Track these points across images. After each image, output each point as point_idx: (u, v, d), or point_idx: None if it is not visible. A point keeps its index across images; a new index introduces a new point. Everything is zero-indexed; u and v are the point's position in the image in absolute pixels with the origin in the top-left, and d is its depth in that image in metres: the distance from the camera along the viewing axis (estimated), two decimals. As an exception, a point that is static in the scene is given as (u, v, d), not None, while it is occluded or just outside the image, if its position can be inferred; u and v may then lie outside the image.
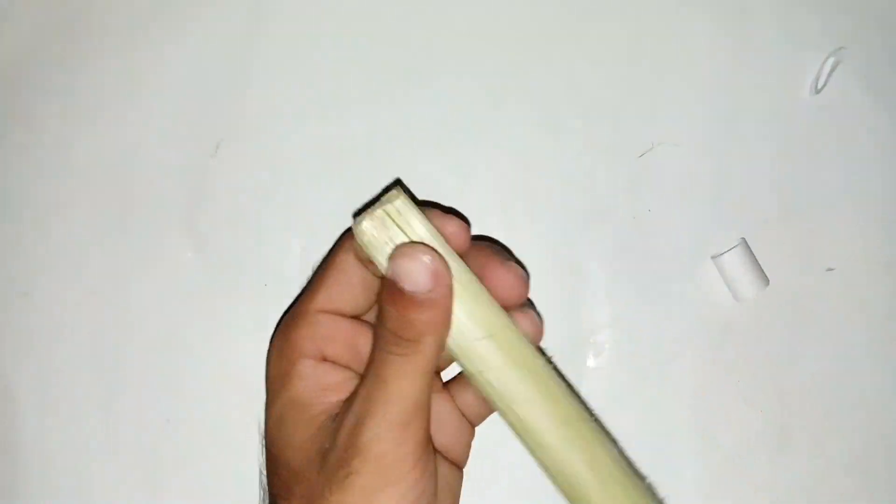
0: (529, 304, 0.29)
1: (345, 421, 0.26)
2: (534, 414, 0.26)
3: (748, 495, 0.36)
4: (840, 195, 0.37)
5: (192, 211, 0.36)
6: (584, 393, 0.36)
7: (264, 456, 0.28)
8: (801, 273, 0.36)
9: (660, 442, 0.36)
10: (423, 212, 0.26)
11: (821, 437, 0.36)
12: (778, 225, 0.37)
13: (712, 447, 0.36)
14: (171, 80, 0.37)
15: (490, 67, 0.37)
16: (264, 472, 0.28)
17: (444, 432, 0.30)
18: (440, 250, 0.25)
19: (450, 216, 0.27)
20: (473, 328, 0.25)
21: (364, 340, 0.28)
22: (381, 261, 0.25)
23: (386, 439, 0.25)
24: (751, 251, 0.36)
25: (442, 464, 0.29)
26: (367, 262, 0.27)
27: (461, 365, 0.26)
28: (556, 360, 0.36)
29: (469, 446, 0.31)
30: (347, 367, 0.28)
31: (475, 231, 0.36)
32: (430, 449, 0.27)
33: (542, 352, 0.27)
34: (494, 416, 0.28)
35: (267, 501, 0.28)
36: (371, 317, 0.29)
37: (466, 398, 0.30)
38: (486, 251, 0.28)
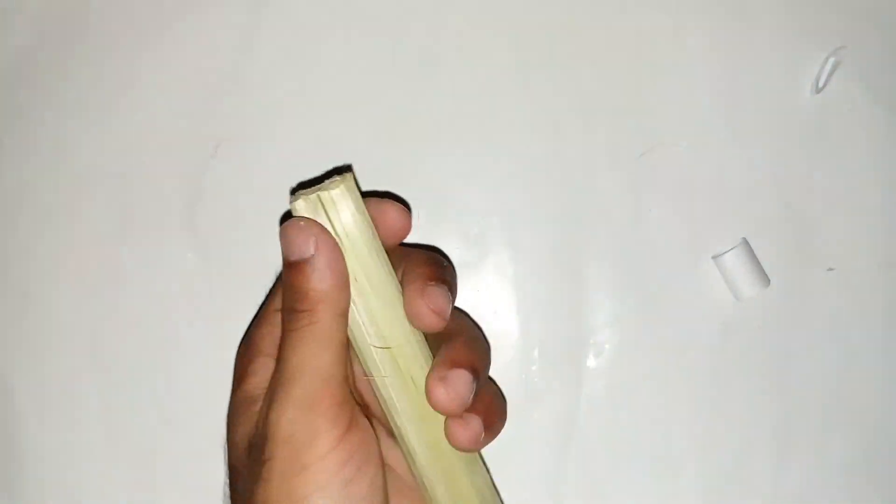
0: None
1: (262, 408, 0.25)
2: (408, 429, 0.27)
3: (748, 495, 0.36)
4: (840, 195, 0.37)
5: (192, 211, 0.36)
6: (584, 393, 0.36)
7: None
8: (801, 273, 0.36)
9: (660, 442, 0.36)
10: (361, 200, 0.25)
11: (821, 437, 0.36)
12: (778, 225, 0.37)
13: (712, 447, 0.36)
14: (171, 80, 0.37)
15: (490, 67, 0.37)
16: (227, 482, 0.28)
17: None
18: (365, 245, 0.25)
19: (390, 202, 0.27)
20: (373, 334, 0.26)
21: None
22: None
23: (292, 419, 0.24)
24: (752, 251, 0.36)
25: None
26: None
27: (360, 362, 0.27)
28: (557, 359, 0.36)
29: None
30: None
31: (475, 231, 0.36)
32: (357, 429, 0.25)
33: None
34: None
35: None
36: None
37: None
38: (422, 270, 0.27)
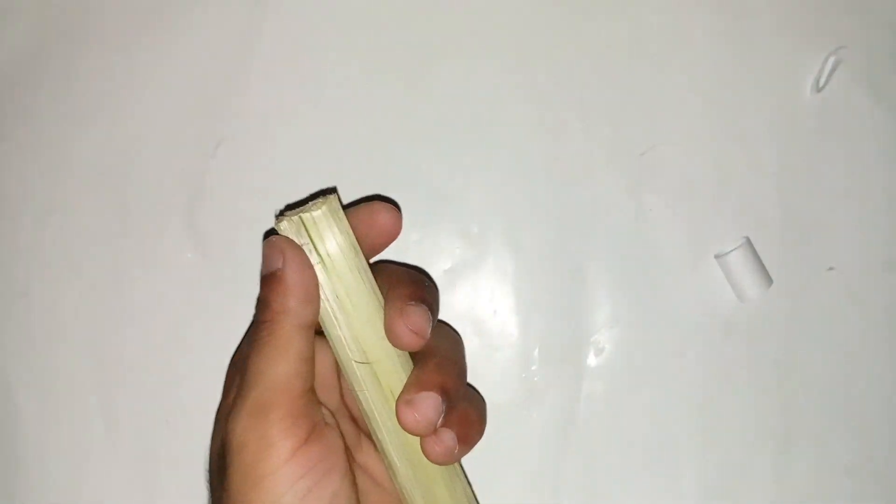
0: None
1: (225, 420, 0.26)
2: (388, 442, 0.27)
3: (748, 496, 0.36)
4: (841, 194, 0.37)
5: (192, 211, 0.36)
6: (583, 393, 0.36)
7: None
8: (801, 273, 0.36)
9: (660, 442, 0.36)
10: (345, 221, 0.26)
11: (822, 437, 0.36)
12: (778, 224, 0.37)
13: (713, 447, 0.36)
14: (171, 80, 0.37)
15: (490, 67, 0.37)
16: None
17: None
18: (346, 263, 0.26)
19: (379, 204, 0.28)
20: (355, 350, 0.26)
21: (319, 354, 0.28)
22: None
23: (244, 428, 0.24)
24: (754, 251, 0.36)
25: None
26: None
27: (343, 374, 0.27)
28: (557, 358, 0.36)
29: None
30: None
31: (475, 231, 0.36)
32: (318, 441, 0.25)
33: None
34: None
35: None
36: None
37: None
38: (403, 290, 0.27)
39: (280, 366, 0.25)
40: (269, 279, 0.25)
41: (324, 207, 0.26)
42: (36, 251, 0.37)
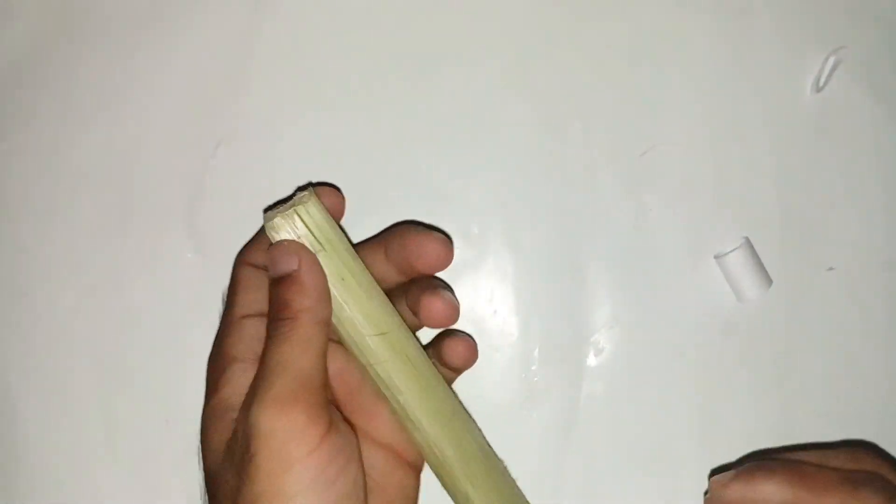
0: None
1: (241, 412, 0.26)
2: (412, 404, 0.29)
3: (749, 495, 0.36)
4: (841, 194, 0.37)
5: (192, 211, 0.36)
6: (583, 393, 0.36)
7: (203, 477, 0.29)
8: (802, 273, 0.36)
9: (660, 442, 0.36)
10: (325, 208, 0.28)
11: (821, 437, 0.36)
12: (777, 224, 0.37)
13: (712, 447, 0.36)
14: (171, 80, 0.37)
15: (490, 67, 0.37)
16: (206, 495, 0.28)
17: (383, 431, 0.30)
18: (343, 247, 0.28)
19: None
20: (367, 325, 0.28)
21: None
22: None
23: (272, 415, 0.25)
24: (754, 251, 0.36)
25: (387, 460, 0.30)
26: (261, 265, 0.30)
27: (356, 358, 0.29)
28: (557, 358, 0.37)
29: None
30: None
31: (475, 231, 0.36)
32: (338, 430, 0.27)
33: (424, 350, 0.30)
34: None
35: None
36: None
37: None
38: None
39: (304, 358, 0.26)
40: (285, 281, 0.27)
41: (312, 198, 0.27)
42: (36, 251, 0.37)
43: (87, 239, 0.37)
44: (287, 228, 0.27)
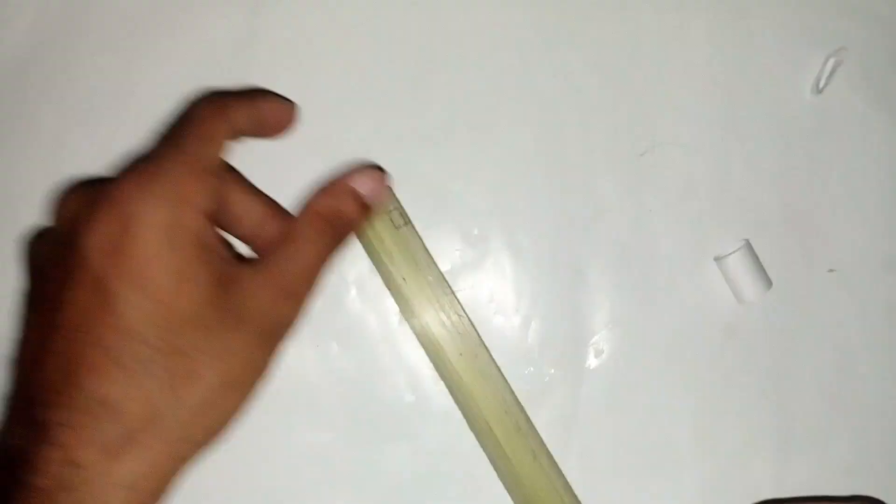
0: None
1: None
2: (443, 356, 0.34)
3: (749, 496, 0.36)
4: (841, 195, 0.37)
5: (192, 211, 0.36)
6: (583, 393, 0.36)
7: None
8: (802, 274, 0.36)
9: (660, 442, 0.36)
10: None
11: (822, 438, 0.36)
12: (778, 225, 0.37)
13: (712, 447, 0.36)
14: (171, 80, 0.37)
15: (490, 67, 0.37)
16: None
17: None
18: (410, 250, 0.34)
19: (269, 96, 0.33)
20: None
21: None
22: None
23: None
24: (754, 253, 0.36)
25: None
26: None
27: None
28: (557, 360, 0.37)
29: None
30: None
31: (475, 231, 0.36)
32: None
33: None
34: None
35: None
36: None
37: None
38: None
39: (313, 259, 0.30)
40: (359, 199, 0.32)
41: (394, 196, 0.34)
42: (36, 251, 0.37)
43: (88, 239, 0.37)
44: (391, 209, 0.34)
